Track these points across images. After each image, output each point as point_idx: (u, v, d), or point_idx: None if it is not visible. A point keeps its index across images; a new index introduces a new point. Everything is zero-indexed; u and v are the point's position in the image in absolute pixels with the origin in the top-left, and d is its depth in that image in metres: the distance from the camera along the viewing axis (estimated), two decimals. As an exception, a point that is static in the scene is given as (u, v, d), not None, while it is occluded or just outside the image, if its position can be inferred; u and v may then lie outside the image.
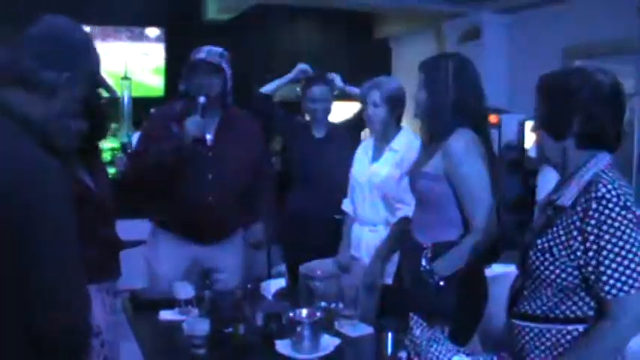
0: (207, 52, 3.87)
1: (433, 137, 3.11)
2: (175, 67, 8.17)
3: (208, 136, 3.88)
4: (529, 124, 6.71)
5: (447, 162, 2.97)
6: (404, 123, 4.00)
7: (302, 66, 4.81)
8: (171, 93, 8.00)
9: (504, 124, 6.38)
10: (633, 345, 2.21)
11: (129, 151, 7.21)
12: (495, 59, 7.82)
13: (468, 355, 2.29)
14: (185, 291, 3.32)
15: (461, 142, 2.95)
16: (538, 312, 2.26)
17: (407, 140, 3.82)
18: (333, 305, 3.19)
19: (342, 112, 5.09)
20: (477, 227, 2.92)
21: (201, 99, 3.73)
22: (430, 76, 3.08)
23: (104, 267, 3.06)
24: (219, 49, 3.95)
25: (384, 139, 3.92)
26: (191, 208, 3.80)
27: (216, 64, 3.84)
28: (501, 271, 3.43)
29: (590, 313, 2.19)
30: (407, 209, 3.64)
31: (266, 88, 4.78)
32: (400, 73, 9.24)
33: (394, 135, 3.88)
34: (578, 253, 2.14)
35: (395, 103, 3.87)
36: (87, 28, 8.18)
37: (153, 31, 8.65)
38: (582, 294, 2.19)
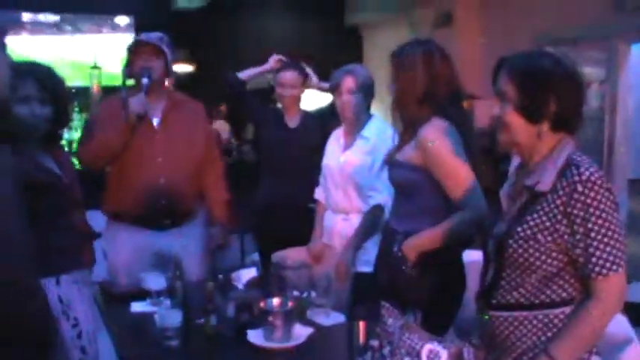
0: (147, 36, 3.90)
1: (407, 126, 3.10)
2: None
3: (155, 120, 3.90)
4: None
5: (422, 153, 2.95)
6: (372, 111, 3.98)
7: (277, 57, 4.81)
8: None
9: (477, 110, 6.40)
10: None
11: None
12: (468, 45, 7.84)
13: (440, 342, 2.29)
14: (156, 282, 3.30)
15: (432, 132, 2.94)
16: (522, 300, 2.24)
17: (378, 128, 3.80)
18: (305, 294, 3.19)
19: (315, 101, 5.07)
20: (464, 204, 2.88)
21: (145, 80, 3.76)
22: (399, 66, 3.07)
23: (75, 255, 3.06)
24: (159, 34, 3.96)
25: (355, 127, 3.90)
26: (144, 192, 3.79)
27: (157, 46, 3.85)
28: (478, 258, 3.43)
29: (574, 294, 2.21)
30: (379, 197, 3.64)
31: (242, 74, 4.78)
32: (372, 60, 9.25)
33: (365, 123, 3.87)
34: (565, 237, 2.14)
35: (367, 90, 3.85)
36: (56, 17, 8.19)
37: (122, 20, 8.58)
38: (567, 277, 2.20)
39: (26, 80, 2.91)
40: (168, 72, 3.95)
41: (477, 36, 7.98)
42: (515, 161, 2.41)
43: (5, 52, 1.82)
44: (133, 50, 3.87)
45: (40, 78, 2.98)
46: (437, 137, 2.91)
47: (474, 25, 8.04)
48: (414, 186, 3.04)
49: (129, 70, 3.90)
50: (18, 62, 2.87)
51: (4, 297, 1.70)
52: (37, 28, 8.17)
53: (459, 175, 2.90)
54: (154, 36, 3.91)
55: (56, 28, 8.22)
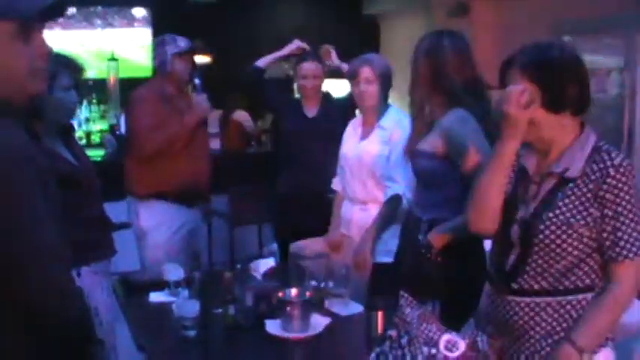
0: (184, 41, 4.42)
1: (419, 116, 3.10)
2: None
3: None
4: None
5: (447, 143, 2.95)
6: (390, 101, 3.97)
7: (297, 42, 4.86)
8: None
9: (493, 100, 6.36)
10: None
11: (117, 132, 7.19)
12: (484, 35, 7.78)
13: (457, 333, 2.29)
14: (175, 272, 3.31)
15: (455, 123, 2.93)
16: (546, 285, 2.25)
17: (396, 118, 3.79)
18: (323, 284, 3.19)
19: (335, 89, 5.07)
20: None
21: (197, 80, 4.44)
22: (416, 58, 3.10)
23: (96, 246, 3.10)
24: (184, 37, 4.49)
25: (373, 116, 3.89)
26: (191, 174, 4.34)
27: (193, 50, 4.53)
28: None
29: (597, 280, 2.24)
30: (397, 187, 3.64)
31: (260, 62, 4.82)
32: (389, 49, 9.22)
33: (383, 113, 3.86)
34: (598, 220, 2.18)
35: (385, 80, 3.84)
36: (73, 9, 8.20)
37: (139, 12, 8.59)
38: (592, 263, 2.23)
39: (66, 70, 3.04)
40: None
41: (493, 26, 7.93)
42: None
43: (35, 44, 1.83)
44: (179, 55, 4.36)
45: (74, 70, 3.12)
46: (461, 131, 2.90)
47: (490, 15, 7.98)
48: (438, 175, 3.03)
49: (170, 68, 4.36)
50: (57, 53, 2.98)
51: (47, 301, 1.73)
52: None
53: (477, 153, 2.86)
54: (186, 40, 4.44)
55: (73, 19, 8.23)
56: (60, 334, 1.81)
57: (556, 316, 2.25)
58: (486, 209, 2.36)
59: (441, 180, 3.02)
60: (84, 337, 1.92)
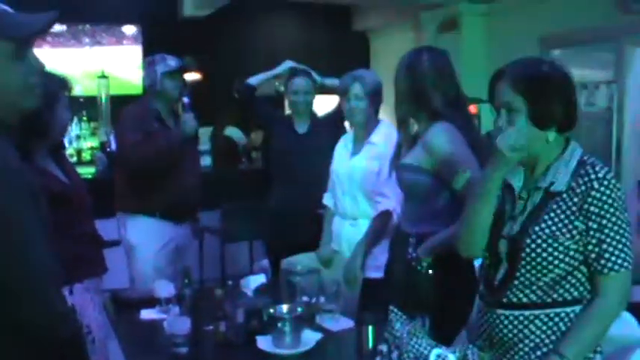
0: (173, 59, 4.47)
1: (402, 129, 3.16)
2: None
3: None
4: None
5: (431, 156, 2.97)
6: (381, 116, 3.98)
7: (290, 63, 4.94)
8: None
9: (483, 114, 6.38)
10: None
11: (108, 149, 7.18)
12: (473, 49, 7.85)
13: (447, 348, 2.29)
14: (166, 289, 3.31)
15: (441, 137, 2.96)
16: (534, 298, 2.27)
17: (386, 133, 3.80)
18: (314, 300, 3.19)
19: (322, 105, 5.08)
20: None
21: (186, 99, 4.41)
22: (398, 73, 3.17)
23: (88, 264, 3.11)
24: (174, 56, 4.55)
25: (363, 132, 3.90)
26: (179, 190, 4.38)
27: (183, 68, 4.54)
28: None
29: (585, 293, 2.25)
30: (387, 202, 3.65)
31: (252, 79, 4.87)
32: (379, 65, 9.26)
33: (373, 128, 3.87)
34: (583, 233, 2.19)
35: (375, 97, 3.85)
36: (62, 27, 8.21)
37: (129, 29, 8.60)
38: (579, 275, 2.24)
39: (65, 89, 3.09)
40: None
41: (482, 40, 7.98)
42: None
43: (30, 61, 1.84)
44: (173, 72, 4.42)
45: (66, 88, 3.14)
46: (448, 146, 2.93)
47: (479, 29, 8.04)
48: (422, 189, 3.05)
49: (161, 87, 4.41)
50: (57, 74, 3.06)
51: (39, 323, 1.73)
52: (41, 38, 8.20)
53: (466, 167, 2.89)
54: (176, 59, 4.49)
55: (62, 38, 8.23)
56: (52, 354, 1.81)
57: (544, 328, 2.26)
58: (475, 237, 2.40)
59: (426, 193, 3.05)
60: (75, 356, 1.92)
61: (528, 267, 2.26)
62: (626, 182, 6.09)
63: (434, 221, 3.03)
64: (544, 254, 2.22)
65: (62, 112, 3.03)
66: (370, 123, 3.87)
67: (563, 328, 2.25)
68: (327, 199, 4.15)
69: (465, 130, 3.02)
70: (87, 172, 6.96)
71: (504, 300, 2.32)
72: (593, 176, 2.19)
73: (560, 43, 6.83)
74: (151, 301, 3.32)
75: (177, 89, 4.45)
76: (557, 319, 2.25)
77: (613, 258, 2.17)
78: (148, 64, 4.48)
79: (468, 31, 8.00)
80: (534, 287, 2.26)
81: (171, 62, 4.42)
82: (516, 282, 2.29)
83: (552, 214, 2.23)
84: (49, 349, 1.79)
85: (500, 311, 2.34)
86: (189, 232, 4.70)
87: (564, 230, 2.20)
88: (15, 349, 1.72)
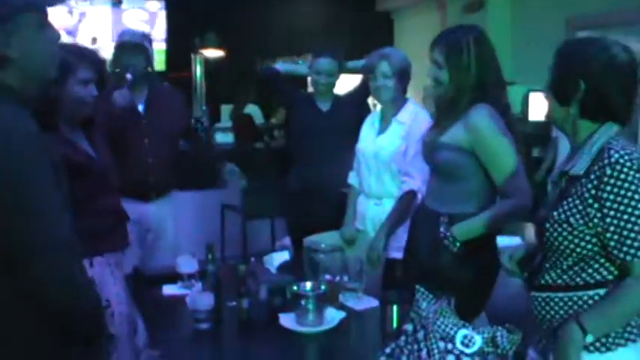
0: (131, 34, 4.43)
1: (447, 110, 3.07)
2: (177, 40, 8.18)
3: (140, 107, 4.35)
4: (533, 96, 6.68)
5: (473, 137, 2.92)
6: (408, 94, 3.95)
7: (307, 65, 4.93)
8: (173, 67, 7.99)
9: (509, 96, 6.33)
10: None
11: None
12: (499, 31, 7.76)
13: (474, 329, 2.27)
14: (188, 265, 3.31)
15: (485, 119, 2.91)
16: (559, 281, 2.25)
17: (413, 112, 3.78)
18: (337, 278, 3.17)
19: (345, 84, 5.04)
20: (510, 190, 2.89)
21: (129, 75, 4.20)
22: (452, 54, 3.01)
23: (110, 238, 3.09)
24: (141, 31, 4.55)
25: (390, 111, 3.88)
26: (136, 168, 4.21)
27: (139, 44, 4.31)
28: (507, 243, 3.40)
29: (610, 277, 2.20)
30: (412, 182, 3.63)
31: (279, 65, 4.89)
32: (403, 45, 9.19)
33: (400, 107, 3.84)
34: (595, 220, 2.14)
35: (403, 75, 3.83)
36: (85, 3, 8.22)
37: (154, 5, 8.59)
38: (602, 260, 2.20)
39: (84, 64, 3.00)
40: (150, 65, 4.44)
41: (507, 21, 7.91)
42: (564, 150, 2.41)
43: (51, 31, 1.85)
44: (118, 48, 4.32)
45: (95, 62, 3.10)
46: (490, 129, 2.90)
47: (505, 10, 7.97)
48: (459, 169, 3.01)
49: (115, 64, 4.33)
50: (76, 45, 3.03)
51: (59, 292, 1.73)
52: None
53: (506, 160, 2.89)
54: (138, 33, 4.47)
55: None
56: (72, 326, 1.81)
57: (571, 312, 2.24)
58: None
59: (462, 173, 3.00)
60: (95, 329, 1.91)
61: (551, 250, 2.26)
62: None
63: (467, 202, 3.00)
64: (560, 238, 2.20)
65: (76, 87, 2.98)
66: (397, 102, 3.84)
67: None
68: (352, 179, 4.12)
69: (503, 113, 2.99)
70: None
71: (536, 282, 2.33)
72: (606, 161, 2.11)
73: (587, 25, 6.75)
74: (173, 277, 3.31)
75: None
76: (580, 303, 2.22)
77: (636, 244, 2.10)
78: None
79: (494, 11, 7.92)
80: (558, 270, 2.26)
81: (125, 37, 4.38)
82: (547, 265, 2.30)
83: (570, 199, 2.19)
84: (70, 321, 1.79)
85: (533, 293, 2.34)
86: (159, 210, 4.42)
87: (578, 216, 2.16)
88: (36, 321, 1.73)
